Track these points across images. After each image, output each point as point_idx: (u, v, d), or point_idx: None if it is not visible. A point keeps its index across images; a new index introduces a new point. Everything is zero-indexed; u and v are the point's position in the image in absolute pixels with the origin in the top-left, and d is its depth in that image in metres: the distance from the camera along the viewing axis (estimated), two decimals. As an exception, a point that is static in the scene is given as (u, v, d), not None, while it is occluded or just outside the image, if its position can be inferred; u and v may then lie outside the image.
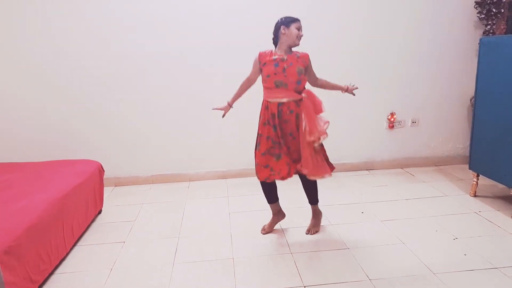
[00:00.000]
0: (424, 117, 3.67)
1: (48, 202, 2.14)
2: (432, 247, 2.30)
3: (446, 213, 2.73)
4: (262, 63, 2.24)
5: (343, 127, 3.61)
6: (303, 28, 2.26)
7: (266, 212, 2.74)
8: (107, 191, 3.33)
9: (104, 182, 3.02)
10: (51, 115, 3.36)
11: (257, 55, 2.28)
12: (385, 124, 3.65)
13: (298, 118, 2.22)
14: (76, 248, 2.43)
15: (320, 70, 3.43)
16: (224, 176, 3.60)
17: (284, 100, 2.21)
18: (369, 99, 3.57)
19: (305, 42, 3.34)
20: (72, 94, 3.34)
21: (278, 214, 2.54)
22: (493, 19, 3.35)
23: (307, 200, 2.53)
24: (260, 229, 2.54)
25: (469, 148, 3.08)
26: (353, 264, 2.14)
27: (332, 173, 2.29)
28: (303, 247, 2.34)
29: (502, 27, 3.36)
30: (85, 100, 3.36)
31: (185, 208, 2.99)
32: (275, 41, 2.27)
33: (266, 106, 2.27)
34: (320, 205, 2.92)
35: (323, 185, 3.33)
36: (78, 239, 2.51)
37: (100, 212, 2.92)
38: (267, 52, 2.27)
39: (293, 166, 2.29)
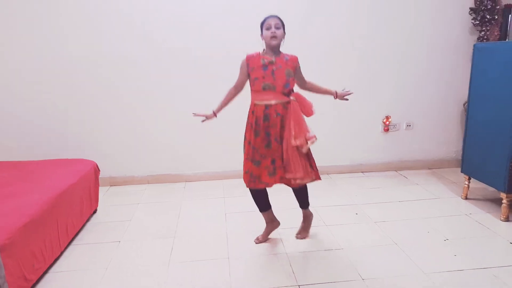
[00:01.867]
0: (418, 121, 3.72)
1: (43, 201, 2.14)
2: (424, 248, 2.33)
3: (438, 215, 2.77)
4: (251, 67, 2.17)
5: (338, 129, 3.65)
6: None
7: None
8: (103, 191, 3.32)
9: (100, 182, 3.02)
10: (47, 115, 3.36)
11: (244, 58, 2.20)
12: (380, 127, 3.70)
13: (283, 121, 2.16)
14: (71, 247, 2.43)
15: (315, 74, 3.48)
16: (220, 177, 3.62)
17: (272, 102, 2.14)
18: (364, 102, 3.61)
19: (302, 46, 3.40)
20: (68, 94, 3.34)
21: (272, 223, 2.44)
22: (487, 26, 3.42)
23: (295, 200, 2.54)
24: (255, 238, 2.44)
25: (461, 152, 3.13)
26: (346, 264, 2.17)
27: (319, 179, 2.27)
28: (297, 247, 2.37)
29: (495, 33, 3.43)
30: (81, 100, 3.37)
31: (181, 209, 3.00)
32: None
33: (252, 110, 2.22)
34: (315, 206, 2.95)
35: (318, 187, 3.37)
36: (73, 238, 2.51)
37: (95, 211, 2.92)
38: (254, 55, 2.19)
39: (278, 172, 2.21)
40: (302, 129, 2.14)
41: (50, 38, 3.22)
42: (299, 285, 1.98)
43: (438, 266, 2.13)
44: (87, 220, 2.78)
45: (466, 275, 2.04)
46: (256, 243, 2.42)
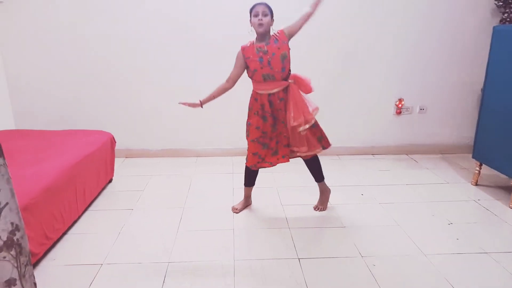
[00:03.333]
0: (432, 104, 3.66)
1: (62, 168, 2.29)
2: (426, 230, 2.36)
3: (445, 200, 2.78)
4: (247, 57, 2.26)
5: (351, 111, 3.64)
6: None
7: (267, 190, 2.85)
8: (118, 162, 3.47)
9: (116, 153, 3.16)
10: (67, 87, 3.49)
11: (239, 49, 2.29)
12: (393, 109, 3.67)
13: (286, 104, 2.30)
14: (87, 212, 2.59)
15: (333, 54, 3.46)
16: (230, 153, 3.70)
17: (274, 90, 2.27)
18: (378, 84, 3.58)
19: (319, 29, 3.35)
20: (88, 67, 3.44)
21: (249, 199, 2.65)
22: (511, 7, 3.27)
23: (310, 179, 2.62)
24: (231, 209, 2.60)
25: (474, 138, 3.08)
26: (347, 241, 2.24)
27: (324, 149, 2.43)
28: (301, 223, 2.45)
29: (520, 15, 3.28)
30: (100, 74, 3.47)
31: (192, 182, 3.12)
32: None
33: (255, 98, 2.33)
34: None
35: (327, 167, 3.40)
36: (90, 204, 2.67)
37: (111, 181, 3.07)
38: (248, 45, 2.28)
39: (280, 151, 2.40)
40: (299, 110, 2.26)
41: (68, 10, 3.30)
42: (299, 258, 2.07)
43: (438, 248, 2.16)
44: (103, 189, 2.93)
45: (466, 258, 2.07)
46: (236, 212, 2.57)
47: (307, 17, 2.27)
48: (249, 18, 2.25)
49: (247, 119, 2.42)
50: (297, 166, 3.36)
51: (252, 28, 2.25)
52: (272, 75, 2.24)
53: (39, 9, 3.28)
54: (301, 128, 2.27)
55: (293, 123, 2.26)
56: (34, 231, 1.90)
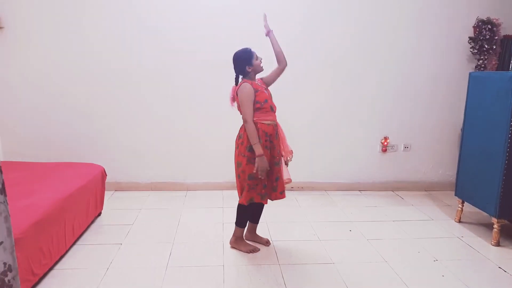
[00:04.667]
0: (416, 143, 3.82)
1: (53, 201, 2.28)
2: (413, 267, 2.41)
3: (430, 236, 2.85)
4: (256, 90, 2.34)
5: (338, 148, 3.77)
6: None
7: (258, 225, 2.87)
8: (108, 195, 3.45)
9: (106, 186, 3.15)
10: (59, 119, 3.53)
11: (247, 86, 2.30)
12: (379, 147, 3.81)
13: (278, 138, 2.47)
14: (75, 247, 2.55)
15: (318, 95, 3.64)
16: (221, 187, 3.73)
17: (275, 121, 2.45)
18: (364, 122, 3.74)
19: (306, 67, 3.55)
20: (80, 100, 3.51)
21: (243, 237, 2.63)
22: (485, 55, 3.54)
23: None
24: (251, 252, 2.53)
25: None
26: (336, 278, 2.26)
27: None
28: (290, 259, 2.46)
29: (493, 62, 3.55)
30: (92, 106, 3.53)
31: (181, 216, 3.11)
32: (244, 74, 2.41)
33: (263, 130, 2.33)
34: (310, 221, 3.06)
35: (315, 203, 3.47)
36: (78, 238, 2.63)
37: (100, 214, 3.05)
38: (250, 82, 2.36)
39: (281, 187, 2.47)
40: (287, 145, 2.53)
41: (61, 44, 3.40)
42: (289, 296, 2.07)
43: (425, 286, 2.20)
44: (92, 222, 2.90)
45: (451, 296, 2.12)
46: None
47: (279, 72, 2.51)
48: (247, 67, 2.37)
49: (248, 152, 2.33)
50: (287, 201, 3.42)
51: (251, 71, 2.39)
52: (274, 107, 2.45)
53: (34, 41, 3.38)
54: (290, 157, 2.52)
55: (285, 158, 2.49)
56: (20, 268, 1.85)
